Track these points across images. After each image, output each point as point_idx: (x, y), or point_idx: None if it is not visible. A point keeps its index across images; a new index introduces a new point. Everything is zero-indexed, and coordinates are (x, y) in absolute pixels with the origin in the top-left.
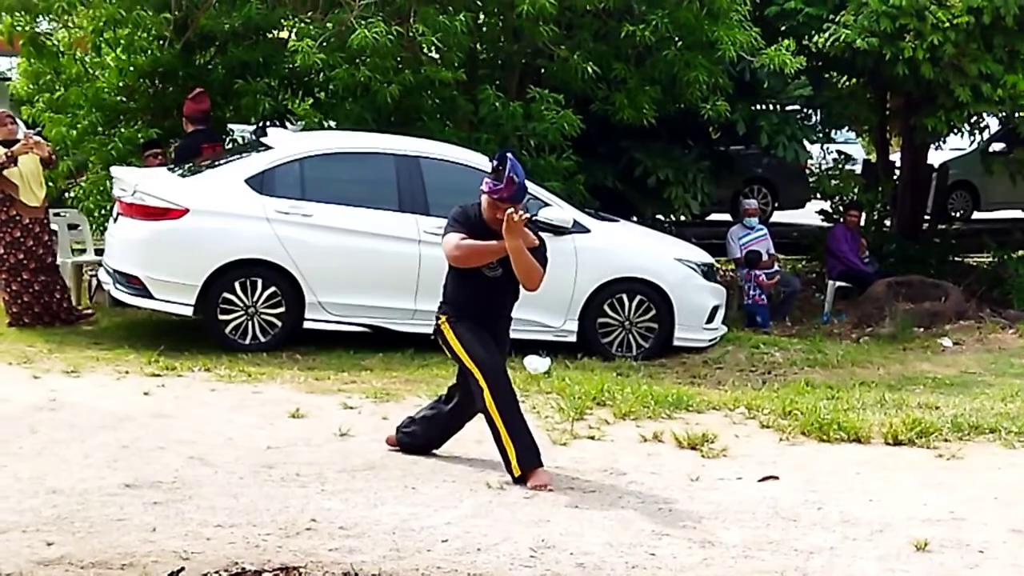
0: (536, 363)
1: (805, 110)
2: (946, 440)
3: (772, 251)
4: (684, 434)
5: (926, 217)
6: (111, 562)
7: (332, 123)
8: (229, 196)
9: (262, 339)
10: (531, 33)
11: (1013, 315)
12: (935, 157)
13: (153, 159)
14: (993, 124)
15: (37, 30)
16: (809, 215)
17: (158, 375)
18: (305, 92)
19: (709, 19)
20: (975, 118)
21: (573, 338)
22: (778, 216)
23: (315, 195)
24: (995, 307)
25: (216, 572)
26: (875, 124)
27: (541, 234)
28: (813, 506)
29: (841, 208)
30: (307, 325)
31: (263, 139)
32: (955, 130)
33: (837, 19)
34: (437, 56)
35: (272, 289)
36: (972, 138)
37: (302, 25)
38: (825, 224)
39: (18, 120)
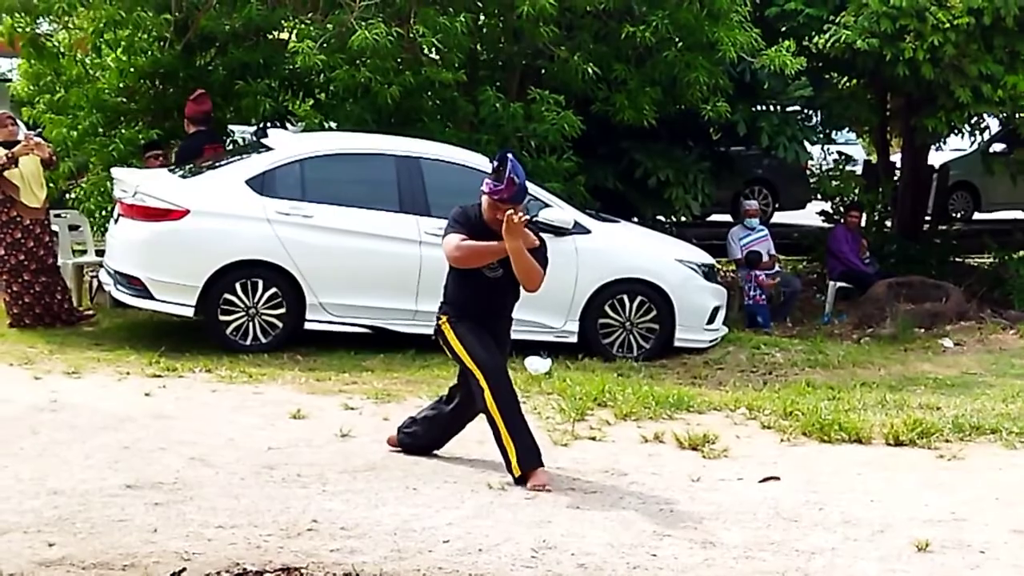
0: (537, 364)
1: (806, 111)
2: (947, 441)
3: (773, 252)
4: (685, 435)
5: (927, 218)
6: (112, 563)
7: (333, 124)
8: (230, 197)
9: (263, 340)
10: (531, 34)
11: (1014, 316)
12: (936, 158)
13: (154, 160)
14: (994, 125)
15: (37, 31)
16: (810, 216)
17: (159, 376)
18: (306, 93)
19: (709, 20)
20: (975, 119)
21: (574, 339)
22: (779, 217)
23: (316, 196)
24: (996, 308)
25: (217, 573)
26: (875, 125)
27: (542, 235)
28: (814, 507)
29: (842, 209)
30: (308, 326)
31: (264, 140)
32: (955, 131)
33: (837, 20)
34: (437, 57)
35: (273, 290)
36: (973, 139)
37: (302, 26)
38: (826, 225)
39: (19, 121)
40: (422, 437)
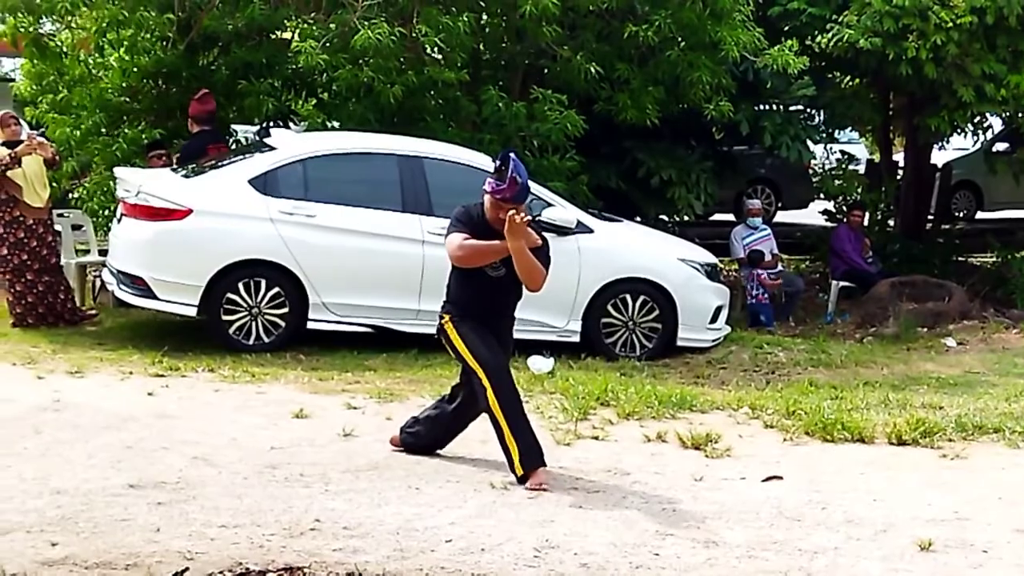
0: (540, 363)
1: (808, 110)
2: (950, 440)
3: (776, 251)
4: (688, 434)
5: (929, 217)
6: (115, 562)
7: (335, 124)
8: (233, 197)
9: (266, 339)
10: (534, 34)
11: (1017, 315)
12: (938, 157)
13: (157, 160)
14: (996, 124)
15: (40, 31)
16: (812, 215)
17: (162, 376)
18: (308, 93)
19: (712, 19)
20: (978, 118)
21: (577, 338)
22: (781, 216)
23: (318, 195)
24: (999, 307)
25: (220, 572)
26: (878, 124)
27: (544, 234)
28: (817, 506)
29: (844, 208)
30: (311, 325)
31: (266, 140)
32: (958, 130)
33: (840, 19)
34: (440, 57)
35: (276, 289)
36: (975, 138)
37: (305, 26)
38: (828, 224)
39: (22, 121)
40: (424, 437)
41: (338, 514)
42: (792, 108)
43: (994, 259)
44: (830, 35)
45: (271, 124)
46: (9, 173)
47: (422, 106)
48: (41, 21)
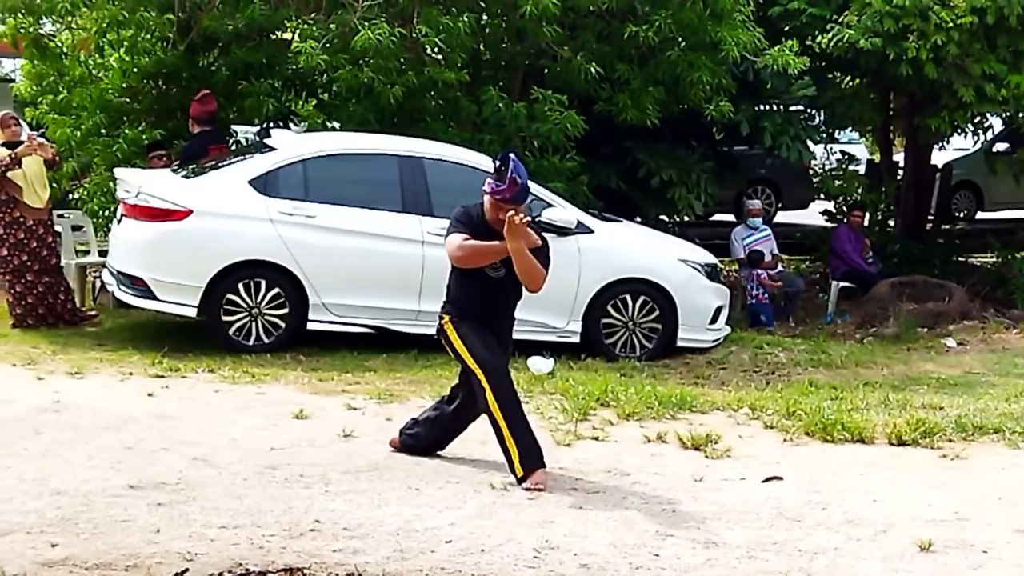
0: (540, 364)
1: (809, 110)
2: (950, 440)
3: (776, 251)
4: (688, 435)
5: (930, 217)
6: (115, 563)
7: (335, 124)
8: (233, 197)
9: (266, 340)
10: (534, 34)
11: (1017, 315)
12: (939, 157)
13: (158, 160)
14: (997, 124)
15: (41, 32)
16: (813, 215)
17: (162, 376)
18: (308, 93)
19: (712, 20)
20: (979, 118)
21: (577, 339)
22: (782, 216)
23: (318, 196)
24: (999, 307)
25: (220, 573)
26: (878, 124)
27: (544, 235)
28: (817, 506)
29: (845, 208)
30: (311, 326)
31: (266, 140)
32: (959, 130)
33: (840, 19)
34: (440, 57)
35: (276, 290)
36: (976, 138)
37: (305, 26)
38: (829, 224)
39: (22, 122)
40: (424, 438)
41: (338, 515)
42: (792, 108)
43: (994, 259)
44: (830, 35)
45: (271, 125)
46: (9, 174)
47: (422, 107)
48: (41, 22)
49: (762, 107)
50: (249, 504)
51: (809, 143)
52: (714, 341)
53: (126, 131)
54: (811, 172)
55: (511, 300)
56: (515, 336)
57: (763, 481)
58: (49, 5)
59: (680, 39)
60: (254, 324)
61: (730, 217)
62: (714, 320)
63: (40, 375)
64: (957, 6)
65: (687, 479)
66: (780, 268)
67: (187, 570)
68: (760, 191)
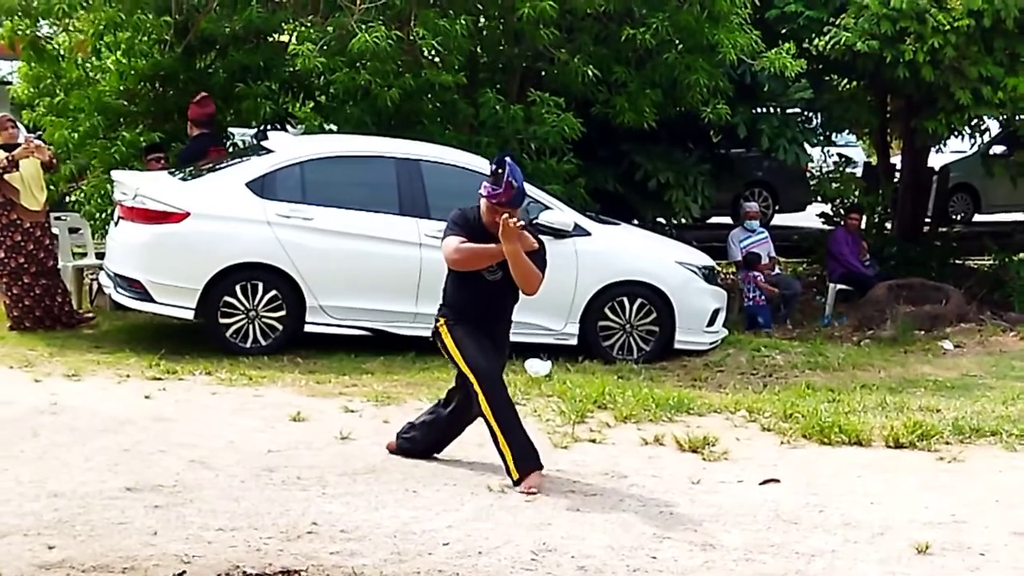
0: (537, 366)
1: (806, 113)
2: (947, 443)
3: (773, 254)
4: (685, 437)
5: (927, 220)
6: (112, 565)
7: (333, 126)
8: (230, 200)
9: (263, 342)
10: (531, 36)
11: (1014, 318)
12: (936, 160)
13: (155, 163)
14: (994, 127)
15: (38, 34)
16: (810, 218)
17: (159, 379)
18: (306, 96)
19: (709, 22)
20: (975, 121)
21: (574, 341)
22: (779, 219)
23: (316, 198)
24: (996, 310)
25: (217, 575)
26: (875, 127)
27: (541, 237)
28: (814, 509)
29: (842, 211)
30: (308, 328)
31: (264, 143)
32: (955, 133)
33: (837, 22)
34: (437, 60)
35: (273, 292)
36: (973, 141)
37: (302, 29)
38: (826, 227)
39: (19, 124)
40: (421, 442)
41: (335, 517)
42: (789, 111)
43: (991, 262)
44: (827, 38)
45: (268, 127)
46: (6, 176)
47: (419, 109)
48: (38, 24)
49: (759, 110)
50: (246, 506)
51: (806, 146)
52: (711, 343)
53: (124, 133)
54: (808, 175)
55: (508, 303)
56: (512, 338)
57: (760, 483)
58: (46, 7)
59: (677, 42)
60: (251, 326)
61: (727, 220)
62: (711, 322)
63: (37, 377)
64: (954, 9)
65: (684, 481)
66: (777, 271)
67: (184, 572)
68: (757, 194)
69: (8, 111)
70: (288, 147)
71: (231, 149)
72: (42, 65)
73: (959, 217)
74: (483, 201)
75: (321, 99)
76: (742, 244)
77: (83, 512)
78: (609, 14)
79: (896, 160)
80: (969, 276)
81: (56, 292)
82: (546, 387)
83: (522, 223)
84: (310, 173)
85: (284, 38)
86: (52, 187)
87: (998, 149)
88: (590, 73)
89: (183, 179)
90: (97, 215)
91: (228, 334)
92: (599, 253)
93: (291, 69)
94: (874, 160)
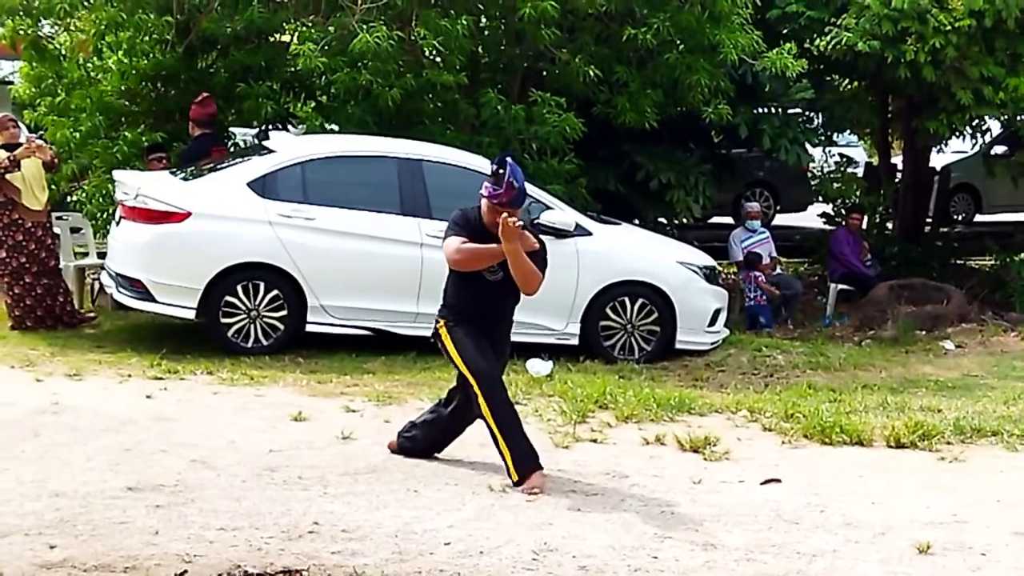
0: (538, 366)
1: (807, 113)
2: (948, 443)
3: (774, 254)
4: (686, 437)
5: (928, 220)
6: (114, 565)
7: (334, 126)
8: (231, 199)
9: (264, 342)
10: (533, 36)
11: (1015, 318)
12: (937, 160)
13: (157, 163)
14: (995, 127)
15: (39, 34)
16: (811, 218)
17: (160, 378)
18: (307, 95)
19: (711, 22)
20: (977, 121)
21: (575, 341)
22: (780, 219)
23: (317, 198)
24: (997, 310)
25: (219, 575)
26: (877, 127)
27: (541, 237)
28: (815, 509)
29: (843, 211)
30: (309, 328)
31: (265, 142)
32: (957, 133)
33: (839, 22)
34: (439, 60)
35: (274, 292)
36: (974, 141)
37: (304, 29)
38: (827, 227)
39: (20, 124)
40: (421, 441)
41: (336, 517)
42: (791, 111)
43: (992, 262)
44: (828, 38)
45: (270, 127)
46: (8, 176)
47: (421, 109)
48: (40, 24)
49: (760, 110)
50: (248, 506)
51: (807, 146)
52: (712, 343)
53: (125, 133)
54: (809, 175)
55: (508, 304)
56: (514, 338)
57: (761, 483)
58: (47, 7)
59: (678, 42)
60: (253, 326)
61: (728, 220)
62: (712, 322)
63: (39, 377)
64: (955, 9)
65: (685, 481)
66: (778, 271)
67: (186, 572)
68: (758, 194)
69: (10, 111)
70: (289, 147)
71: (232, 149)
72: (43, 65)
73: (960, 217)
74: (484, 201)
75: (322, 99)
76: (743, 244)
77: (84, 512)
78: (610, 14)
79: (897, 160)
80: (970, 276)
81: (58, 292)
82: (547, 387)
83: (521, 223)
84: (311, 173)
85: (285, 38)
86: (54, 187)
87: (999, 149)
88: (591, 73)
89: (184, 179)
90: (99, 215)
91: (229, 334)
92: (600, 253)
93: (292, 69)
94: (875, 160)
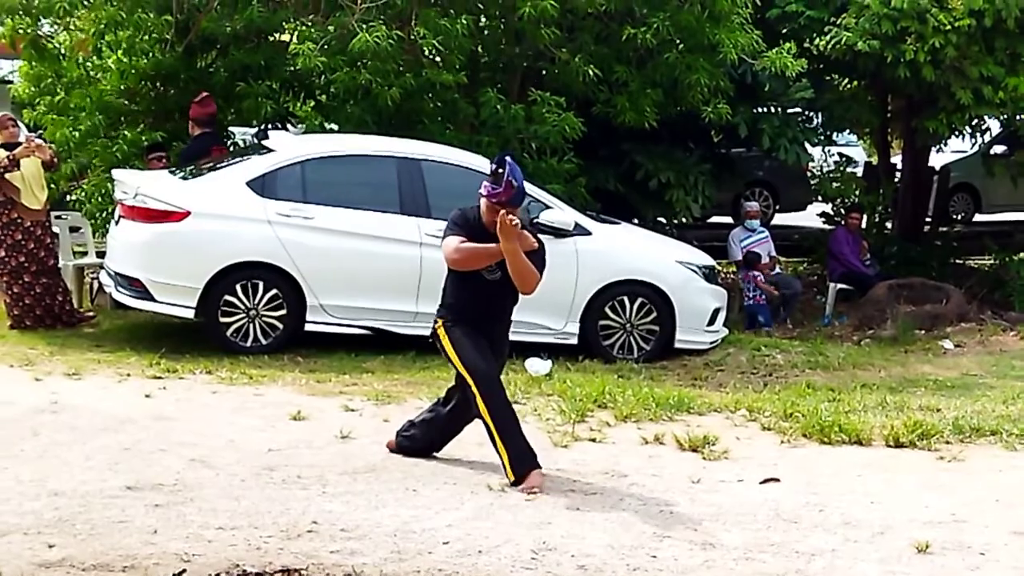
0: (537, 365)
1: (806, 113)
2: (947, 442)
3: (773, 253)
4: (685, 436)
5: (927, 219)
6: (112, 564)
7: (333, 126)
8: (231, 199)
9: (263, 341)
10: (532, 36)
11: (1014, 317)
12: (936, 160)
13: (157, 162)
14: (994, 127)
15: (39, 33)
16: (810, 217)
17: (159, 377)
18: (306, 95)
19: (710, 22)
20: (976, 121)
21: (574, 340)
22: (779, 219)
23: (316, 198)
24: (996, 309)
25: (217, 574)
26: (876, 127)
27: (540, 237)
28: (814, 508)
29: (842, 210)
30: (308, 327)
31: (264, 142)
32: (956, 133)
33: (838, 22)
34: (438, 59)
35: (273, 291)
36: (973, 141)
37: (303, 28)
38: (826, 226)
39: (20, 123)
40: (420, 440)
41: (335, 516)
42: (790, 110)
43: (992, 261)
44: (828, 37)
45: (269, 126)
46: (7, 175)
47: (420, 108)
48: (39, 23)
49: (760, 109)
50: (246, 505)
51: (807, 145)
52: (712, 343)
53: (125, 132)
54: (809, 174)
55: (507, 304)
56: (513, 337)
57: (760, 483)
58: (47, 6)
59: (678, 41)
60: (252, 325)
61: (728, 219)
62: (712, 322)
63: (38, 376)
64: (955, 9)
65: (684, 481)
66: (778, 270)
67: (184, 571)
68: (758, 193)
69: (9, 110)
70: (289, 146)
71: (232, 148)
72: (43, 64)
73: (959, 217)
74: (483, 200)
75: (322, 98)
76: (742, 244)
77: (83, 511)
78: (610, 13)
79: (897, 160)
80: (969, 276)
81: (57, 291)
82: (546, 386)
83: (516, 221)
84: (311, 172)
85: (285, 37)
86: (53, 186)
87: (999, 149)
88: (591, 72)
89: (184, 178)
90: (98, 214)
91: (228, 333)
92: (600, 252)
93: (292, 68)
94: (875, 160)
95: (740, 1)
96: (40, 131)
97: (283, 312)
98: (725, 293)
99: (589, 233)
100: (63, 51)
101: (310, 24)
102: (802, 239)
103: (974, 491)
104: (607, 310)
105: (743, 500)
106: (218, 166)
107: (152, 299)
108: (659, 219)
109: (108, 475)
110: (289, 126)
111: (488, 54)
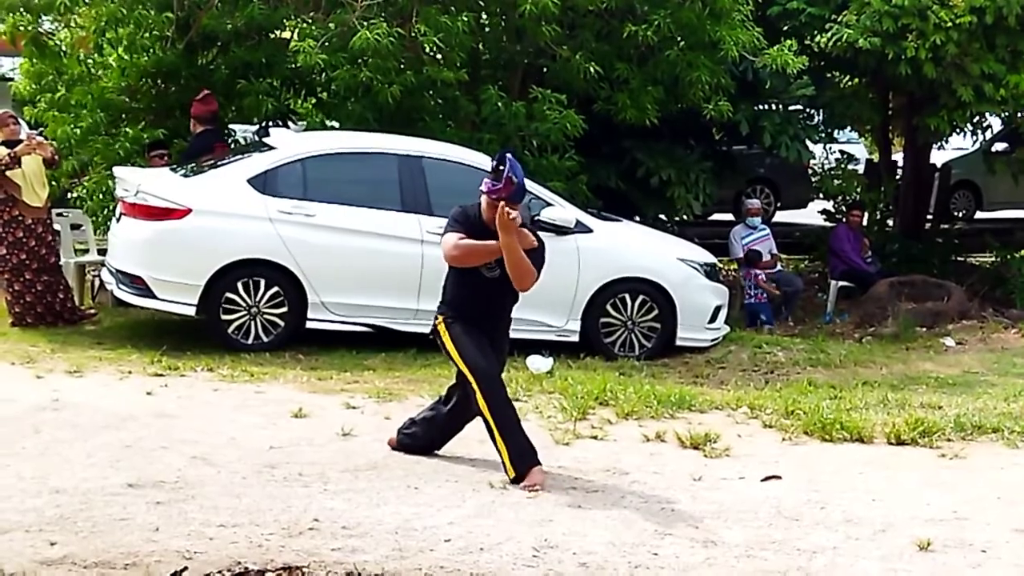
0: (539, 363)
1: (808, 110)
2: (949, 440)
3: (775, 251)
4: (687, 434)
5: (928, 217)
6: (114, 562)
7: (334, 123)
8: (232, 196)
9: (265, 339)
10: (533, 33)
11: (1016, 314)
12: (937, 157)
13: (159, 159)
14: (995, 124)
15: (39, 30)
16: (811, 215)
17: (161, 375)
18: (307, 92)
19: (711, 19)
20: (977, 118)
21: (576, 338)
22: (780, 216)
23: (317, 195)
24: (998, 307)
25: (219, 572)
26: (877, 124)
27: (540, 234)
28: (816, 506)
29: (844, 208)
30: (310, 325)
31: (265, 139)
32: (957, 130)
33: (839, 19)
34: (439, 56)
35: (275, 289)
36: (974, 138)
37: (304, 25)
38: (827, 224)
39: (21, 120)
40: (421, 438)
41: (337, 513)
42: (791, 108)
43: (993, 259)
44: (829, 35)
45: (270, 123)
46: (8, 172)
47: (421, 106)
48: (40, 20)
49: (761, 106)
50: (248, 503)
51: (808, 142)
52: (713, 340)
53: (126, 129)
54: (810, 171)
55: (507, 301)
56: (514, 335)
57: (762, 480)
58: (48, 3)
59: (679, 38)
60: (253, 323)
61: (729, 216)
62: (713, 319)
63: (39, 373)
64: (956, 6)
65: (686, 478)
66: (779, 267)
67: (186, 568)
68: (759, 190)
69: (10, 107)
70: (290, 144)
71: (233, 146)
72: (44, 61)
73: (961, 214)
74: (483, 198)
75: (323, 96)
76: (744, 241)
77: (85, 508)
78: (611, 11)
79: (898, 157)
80: (971, 273)
81: (58, 288)
82: (547, 384)
83: (515, 215)
84: (312, 170)
85: (286, 35)
86: (54, 183)
87: (1000, 146)
88: (592, 70)
89: (185, 175)
90: (99, 211)
91: (230, 330)
92: (601, 250)
93: (293, 66)
94: (876, 157)
95: None
96: (41, 128)
97: (284, 309)
98: (726, 291)
99: (590, 230)
100: (64, 48)
101: (311, 21)
102: (803, 236)
103: (976, 489)
104: (608, 307)
105: (744, 498)
106: (219, 163)
107: (153, 296)
108: (660, 216)
109: (109, 472)
110: (290, 123)
111: (489, 51)
